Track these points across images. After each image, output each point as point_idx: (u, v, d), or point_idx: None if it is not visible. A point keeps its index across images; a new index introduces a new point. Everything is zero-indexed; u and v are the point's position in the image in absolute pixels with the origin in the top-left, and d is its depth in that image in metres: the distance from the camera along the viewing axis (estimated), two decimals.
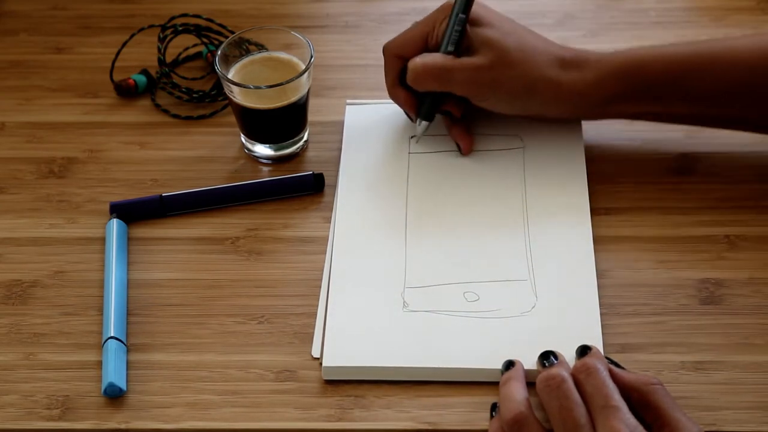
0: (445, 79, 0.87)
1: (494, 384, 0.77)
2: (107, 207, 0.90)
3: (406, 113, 0.93)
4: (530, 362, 0.77)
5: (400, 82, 0.90)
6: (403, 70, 0.90)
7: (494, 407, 0.76)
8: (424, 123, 0.91)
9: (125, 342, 0.81)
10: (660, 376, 0.77)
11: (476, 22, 0.88)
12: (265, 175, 0.93)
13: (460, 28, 0.87)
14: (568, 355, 0.77)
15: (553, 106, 0.88)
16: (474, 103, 0.89)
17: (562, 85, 0.86)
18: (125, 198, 0.91)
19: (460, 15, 0.87)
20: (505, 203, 0.89)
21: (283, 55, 0.94)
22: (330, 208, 0.90)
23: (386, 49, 0.91)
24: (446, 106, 0.91)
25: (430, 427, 0.76)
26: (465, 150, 0.91)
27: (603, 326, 0.81)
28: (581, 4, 1.07)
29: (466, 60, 0.87)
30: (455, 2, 0.87)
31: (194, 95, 0.99)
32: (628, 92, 0.87)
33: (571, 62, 0.87)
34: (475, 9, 0.88)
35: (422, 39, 0.89)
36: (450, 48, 0.87)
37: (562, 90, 0.86)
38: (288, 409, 0.78)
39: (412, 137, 0.93)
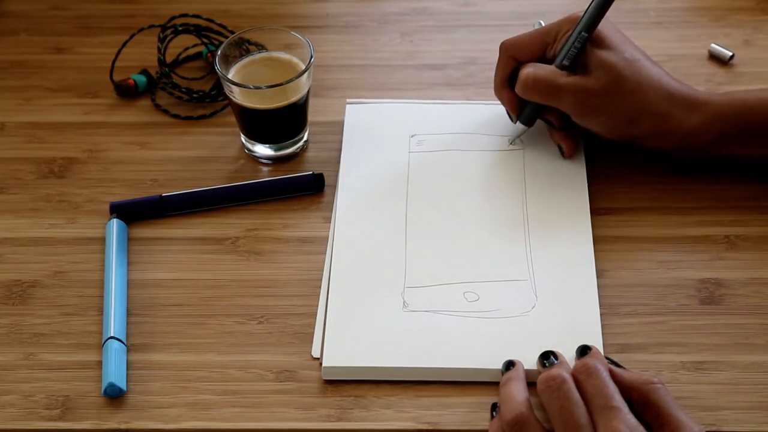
0: (553, 96, 0.87)
1: (494, 384, 0.78)
2: (107, 207, 0.90)
3: (507, 113, 0.92)
4: (530, 362, 0.77)
5: (508, 82, 0.90)
6: (513, 72, 0.89)
7: (494, 407, 0.76)
8: (522, 127, 0.90)
9: (125, 342, 0.81)
10: (660, 376, 0.77)
11: (598, 42, 0.86)
12: (265, 175, 0.93)
13: (579, 46, 0.86)
14: (568, 355, 0.77)
15: (654, 140, 0.87)
16: (575, 120, 0.88)
17: (667, 123, 0.85)
18: (125, 198, 0.91)
19: (583, 33, 0.86)
20: (505, 203, 0.89)
21: (283, 55, 0.94)
22: (330, 208, 0.90)
23: (503, 48, 0.90)
24: (548, 114, 0.90)
25: (430, 427, 0.76)
26: (568, 153, 0.90)
27: (603, 326, 0.81)
28: (581, 5, 1.07)
29: (577, 80, 0.86)
30: (581, 19, 0.86)
31: (194, 95, 0.99)
32: (734, 135, 0.86)
33: (681, 101, 0.86)
34: (601, 27, 0.86)
35: (541, 46, 0.89)
36: (565, 62, 0.86)
37: (668, 127, 0.86)
38: (288, 409, 0.78)
39: (509, 141, 0.92)
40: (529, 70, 0.87)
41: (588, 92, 0.85)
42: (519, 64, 0.89)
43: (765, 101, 0.86)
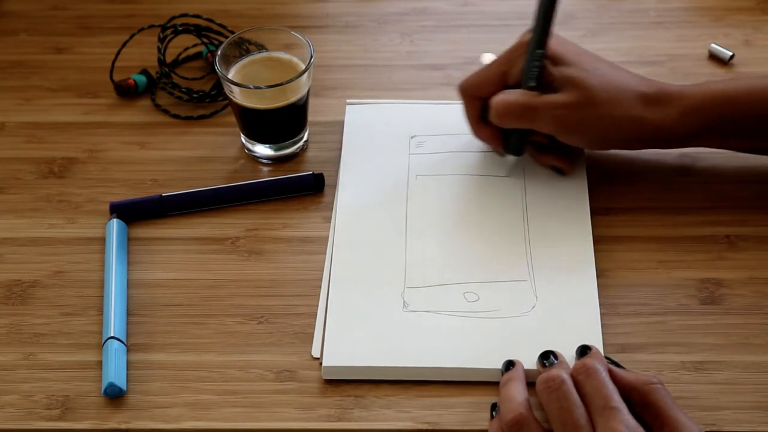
0: (530, 117, 0.85)
1: (494, 384, 0.78)
2: (107, 207, 0.90)
3: (493, 149, 0.91)
4: (530, 362, 0.77)
5: (483, 120, 0.89)
6: (484, 108, 0.88)
7: (494, 407, 0.76)
8: (513, 158, 0.89)
9: (125, 342, 0.81)
10: (660, 376, 0.77)
11: (556, 61, 0.86)
12: (265, 175, 0.93)
13: (539, 63, 0.85)
14: (568, 355, 0.77)
15: (637, 143, 0.87)
16: (558, 138, 0.87)
17: (646, 123, 0.85)
18: (125, 198, 0.91)
19: (537, 51, 0.85)
20: (505, 203, 0.89)
21: (283, 55, 0.94)
22: (330, 208, 0.90)
23: (464, 90, 0.89)
24: (535, 136, 0.89)
25: (430, 427, 0.76)
26: (567, 170, 0.89)
27: (603, 326, 0.81)
28: (581, 4, 1.07)
29: (550, 97, 0.85)
30: (531, 39, 0.86)
31: (194, 95, 0.99)
32: (712, 127, 0.85)
33: (654, 98, 0.85)
34: (553, 46, 0.86)
35: (500, 78, 0.87)
36: (531, 84, 0.85)
37: (647, 127, 0.85)
38: (288, 409, 0.78)
39: (506, 174, 0.90)
40: (500, 97, 0.86)
41: (564, 107, 0.84)
42: (485, 101, 0.88)
43: (744, 91, 0.85)
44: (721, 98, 0.85)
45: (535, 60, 0.85)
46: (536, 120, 0.86)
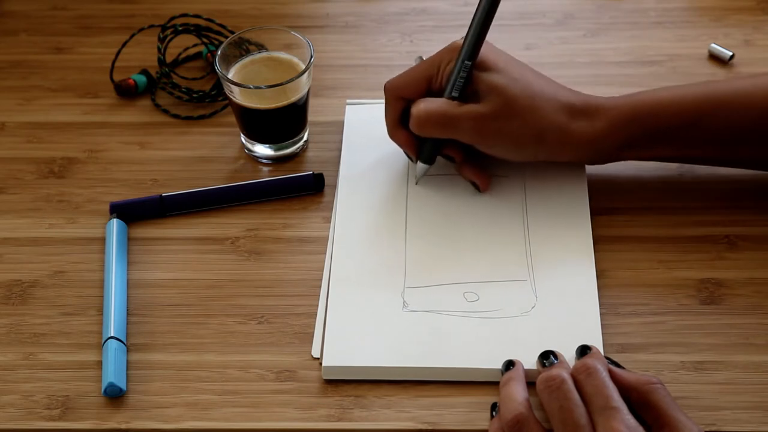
0: (450, 127, 0.85)
1: (494, 384, 0.78)
2: (107, 207, 0.90)
3: (406, 154, 0.91)
4: (530, 362, 0.78)
5: (401, 123, 0.88)
6: (405, 111, 0.88)
7: (494, 407, 0.76)
8: (424, 166, 0.89)
9: (125, 342, 0.81)
10: (660, 376, 0.77)
11: (483, 66, 0.85)
12: (265, 175, 0.93)
13: (465, 75, 0.84)
14: (568, 355, 0.77)
15: (562, 154, 0.86)
16: (481, 150, 0.87)
17: (571, 134, 0.84)
18: (125, 198, 0.91)
19: (466, 62, 0.84)
20: (505, 203, 0.89)
21: (283, 55, 0.94)
22: (330, 208, 0.90)
23: (387, 90, 0.88)
24: (447, 150, 0.88)
25: (430, 427, 0.76)
26: (483, 187, 0.89)
27: (603, 326, 0.81)
28: (581, 4, 1.07)
29: (470, 108, 0.84)
30: (462, 48, 0.84)
31: (194, 95, 0.99)
32: (639, 138, 0.84)
33: (581, 110, 0.84)
34: (483, 51, 0.85)
35: (425, 80, 0.87)
36: (454, 94, 0.84)
37: (572, 138, 0.84)
38: (288, 409, 0.78)
39: (415, 182, 0.91)
40: (421, 106, 0.85)
41: (484, 118, 0.83)
42: (408, 103, 0.87)
43: (668, 101, 0.84)
44: (646, 108, 0.84)
45: (462, 70, 0.84)
46: (456, 131, 0.85)
